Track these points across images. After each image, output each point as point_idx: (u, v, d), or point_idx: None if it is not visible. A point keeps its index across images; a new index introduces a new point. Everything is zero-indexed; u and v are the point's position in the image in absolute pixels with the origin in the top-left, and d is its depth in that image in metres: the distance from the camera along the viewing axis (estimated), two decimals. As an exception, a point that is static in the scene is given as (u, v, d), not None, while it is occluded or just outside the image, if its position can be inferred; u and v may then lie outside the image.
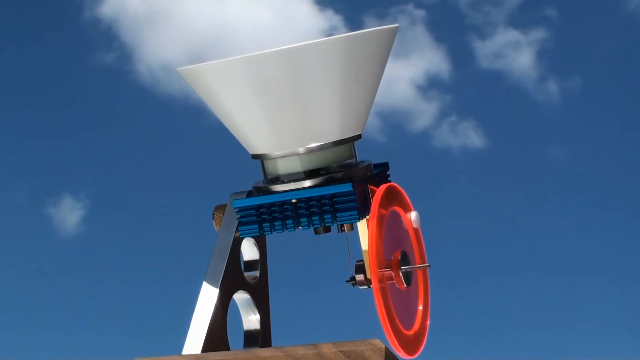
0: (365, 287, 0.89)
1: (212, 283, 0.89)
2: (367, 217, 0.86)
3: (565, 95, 3.23)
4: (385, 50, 0.86)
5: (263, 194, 0.87)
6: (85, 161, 3.26)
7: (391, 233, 0.88)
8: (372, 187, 0.88)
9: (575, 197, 3.10)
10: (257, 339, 0.96)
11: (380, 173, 0.92)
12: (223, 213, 0.93)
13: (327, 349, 0.77)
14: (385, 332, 0.84)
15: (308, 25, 3.35)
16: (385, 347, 0.76)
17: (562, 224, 3.05)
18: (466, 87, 3.35)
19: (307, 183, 0.86)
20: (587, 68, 3.28)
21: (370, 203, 0.87)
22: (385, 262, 0.86)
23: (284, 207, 0.86)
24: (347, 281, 0.90)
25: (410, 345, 0.88)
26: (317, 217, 0.85)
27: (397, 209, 0.91)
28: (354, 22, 3.37)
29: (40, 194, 3.21)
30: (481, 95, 3.33)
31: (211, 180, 3.11)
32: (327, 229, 0.89)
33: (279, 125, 0.84)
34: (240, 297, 0.95)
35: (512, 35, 3.30)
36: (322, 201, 0.85)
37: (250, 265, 0.98)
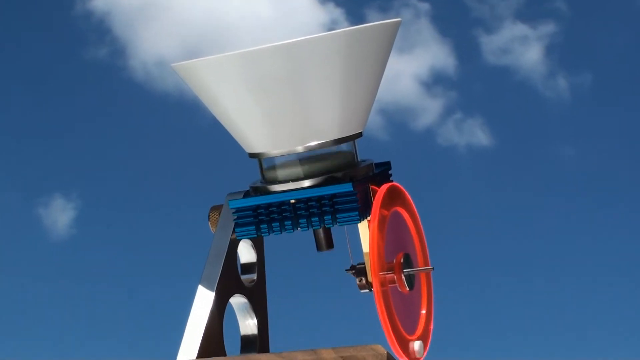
0: (367, 290, 0.90)
1: (208, 286, 0.90)
2: (369, 218, 0.87)
3: (574, 92, 3.24)
4: (387, 45, 0.87)
5: (260, 194, 0.88)
6: (76, 160, 3.27)
7: (393, 235, 0.88)
8: (373, 187, 0.89)
9: (585, 197, 3.10)
10: (255, 344, 0.96)
11: (381, 172, 0.92)
12: (219, 214, 0.94)
13: (327, 354, 0.77)
14: (387, 337, 0.84)
15: (308, 19, 3.36)
16: (387, 353, 0.77)
17: (571, 225, 3.05)
18: (472, 83, 3.35)
19: (307, 183, 0.87)
20: (597, 63, 3.28)
21: (372, 203, 0.87)
22: (387, 265, 0.86)
23: (282, 207, 0.87)
24: (347, 270, 0.90)
25: (412, 350, 0.88)
26: (317, 218, 0.86)
27: (400, 209, 0.92)
28: (355, 16, 3.37)
29: (29, 194, 3.21)
30: (488, 91, 3.33)
31: (207, 180, 3.11)
32: (330, 245, 0.90)
33: (277, 123, 0.85)
34: (237, 301, 0.95)
35: (520, 29, 3.31)
36: (322, 202, 0.85)
37: (248, 267, 0.98)
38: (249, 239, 0.97)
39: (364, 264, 0.90)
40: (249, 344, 0.96)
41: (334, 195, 0.85)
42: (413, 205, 0.94)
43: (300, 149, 0.86)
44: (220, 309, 0.90)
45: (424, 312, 0.93)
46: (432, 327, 0.94)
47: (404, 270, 0.87)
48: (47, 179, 3.26)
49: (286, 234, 0.88)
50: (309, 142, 0.86)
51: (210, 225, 0.94)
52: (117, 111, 3.35)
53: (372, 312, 0.84)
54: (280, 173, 0.88)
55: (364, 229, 0.90)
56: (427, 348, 0.92)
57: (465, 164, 3.25)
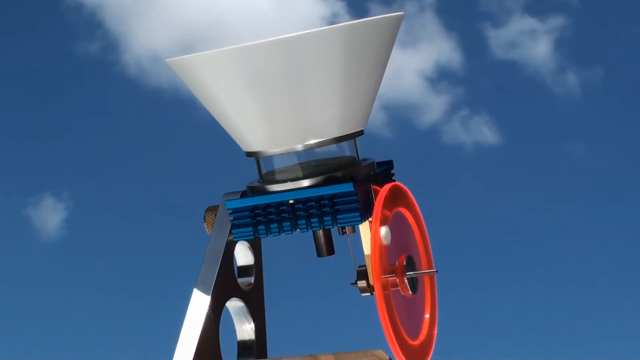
0: (368, 294, 0.90)
1: (204, 290, 0.90)
2: (370, 219, 0.87)
3: (585, 87, 3.24)
4: (389, 40, 0.87)
5: (258, 194, 0.88)
6: (67, 158, 3.27)
7: (396, 236, 0.89)
8: (375, 186, 0.89)
9: (596, 196, 3.11)
10: (252, 349, 0.96)
11: (383, 172, 0.92)
12: (215, 215, 0.94)
13: (327, 360, 0.77)
14: (389, 343, 0.84)
15: (308, 12, 3.36)
16: (389, 359, 0.77)
17: (581, 224, 3.06)
18: (479, 78, 3.36)
19: (306, 183, 0.87)
20: (608, 58, 3.28)
21: (373, 204, 0.87)
22: (389, 268, 0.87)
23: (281, 208, 0.87)
24: (352, 283, 0.91)
25: (415, 356, 0.88)
26: (317, 219, 0.86)
27: (402, 210, 0.92)
28: (357, 9, 3.38)
29: (18, 194, 3.22)
30: (495, 87, 3.34)
31: (203, 180, 3.12)
32: (331, 251, 0.90)
33: (275, 121, 0.85)
34: (234, 305, 0.96)
35: (529, 22, 3.31)
36: (322, 202, 0.86)
37: (245, 270, 0.99)
38: (246, 240, 0.97)
39: (365, 266, 0.90)
40: (246, 349, 0.97)
41: (334, 196, 0.85)
42: (416, 205, 0.95)
43: (299, 147, 0.86)
44: (216, 313, 0.90)
45: (427, 316, 0.94)
46: (435, 332, 0.94)
47: (407, 273, 0.88)
48: (36, 178, 3.27)
49: (285, 236, 0.88)
50: (308, 141, 0.86)
51: (206, 226, 0.95)
52: (110, 108, 3.35)
53: (374, 317, 0.84)
54: (279, 172, 0.89)
55: (365, 230, 0.90)
56: (431, 354, 0.92)
57: (472, 163, 3.26)
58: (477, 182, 3.24)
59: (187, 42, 3.30)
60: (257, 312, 0.97)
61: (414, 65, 3.28)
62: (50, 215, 3.15)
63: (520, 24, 3.31)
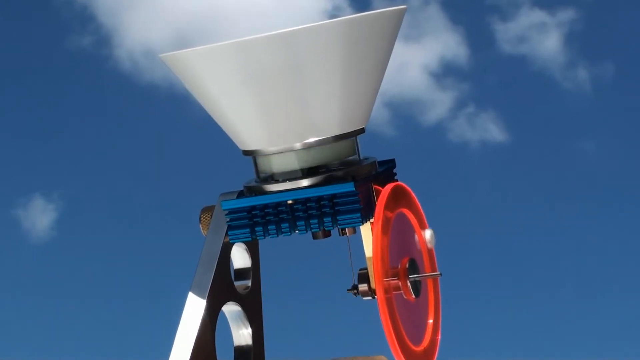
0: (370, 298, 0.90)
1: (199, 294, 0.90)
2: (371, 220, 0.87)
3: (596, 83, 3.24)
4: (391, 34, 0.87)
5: (255, 195, 0.88)
6: (57, 157, 3.28)
7: (398, 238, 0.89)
8: (376, 186, 0.89)
9: (608, 196, 3.11)
10: (249, 355, 0.97)
11: (385, 171, 0.93)
12: (211, 216, 0.94)
13: (327, 366, 0.78)
14: (392, 348, 0.85)
15: (309, 5, 3.36)
16: (391, 365, 0.77)
17: (592, 223, 3.06)
18: (486, 74, 3.36)
19: (305, 182, 0.87)
20: (620, 52, 3.28)
21: (375, 204, 0.87)
22: (391, 271, 0.87)
23: (279, 209, 0.87)
24: (348, 290, 0.91)
25: (419, 362, 0.89)
26: (316, 220, 0.86)
27: (405, 211, 0.92)
28: (359, 2, 3.38)
29: (7, 194, 3.22)
30: (502, 83, 3.34)
31: (198, 179, 3.12)
32: (327, 234, 0.90)
33: (273, 118, 0.85)
34: (230, 309, 0.96)
35: (538, 16, 3.31)
36: (322, 202, 0.86)
37: (241, 273, 0.99)
38: (243, 242, 0.97)
39: (366, 269, 0.90)
40: (242, 355, 0.97)
41: (334, 196, 0.86)
42: (419, 206, 0.95)
43: (297, 145, 0.86)
44: (212, 317, 0.90)
45: (431, 321, 0.94)
46: (439, 337, 0.95)
47: (410, 277, 0.88)
48: (25, 177, 3.27)
49: (283, 237, 0.88)
50: (308, 139, 0.86)
51: (201, 227, 0.95)
52: (102, 104, 3.35)
53: (376, 321, 0.84)
54: (277, 172, 0.89)
55: (366, 232, 0.90)
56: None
57: (478, 162, 3.26)
58: (484, 181, 3.24)
59: (182, 36, 3.31)
60: (254, 317, 0.98)
61: (418, 60, 3.28)
62: (39, 216, 3.16)
63: (529, 17, 3.31)
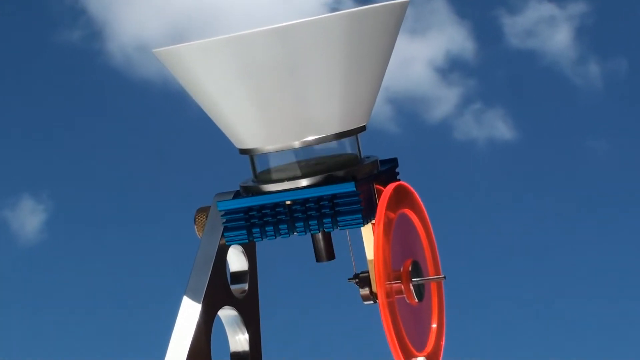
0: (371, 302, 0.91)
1: (194, 298, 0.91)
2: (373, 221, 0.88)
3: (608, 79, 3.24)
4: (393, 28, 0.88)
5: (252, 195, 0.89)
6: (47, 156, 3.28)
7: (400, 240, 0.89)
8: (378, 186, 0.90)
9: (619, 196, 3.11)
10: (246, 362, 0.97)
11: (388, 170, 0.93)
12: (206, 217, 0.95)
13: (326, 373, 0.78)
14: (394, 354, 0.85)
15: (308, -2, 3.36)
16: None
17: (604, 225, 3.06)
18: (493, 69, 3.36)
19: (304, 182, 0.87)
20: (633, 47, 3.29)
21: (377, 205, 0.88)
22: (393, 274, 0.87)
23: (277, 209, 0.87)
24: (349, 279, 0.91)
25: (422, 369, 0.89)
26: (315, 222, 0.86)
27: (408, 212, 0.93)
28: (361, -6, 3.38)
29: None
30: (510, 79, 3.34)
31: (193, 179, 3.12)
32: (331, 256, 0.91)
33: (271, 116, 0.86)
34: (226, 314, 0.96)
35: (547, 9, 3.31)
36: (321, 203, 0.86)
37: (238, 277, 0.99)
38: (240, 244, 0.98)
39: (367, 272, 0.91)
40: (239, 361, 0.97)
41: (334, 196, 0.86)
42: (423, 207, 0.95)
43: (296, 144, 0.87)
44: (207, 322, 0.91)
45: (434, 326, 0.94)
46: (443, 343, 0.95)
47: (413, 280, 0.88)
48: (14, 177, 3.27)
49: (281, 239, 0.88)
50: (307, 137, 0.87)
51: (196, 229, 0.95)
52: (93, 101, 3.36)
53: (377, 326, 0.85)
54: (275, 171, 0.89)
55: (367, 233, 0.91)
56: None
57: (485, 161, 3.26)
58: (491, 181, 3.24)
59: (177, 30, 3.31)
60: (251, 322, 0.98)
61: (423, 55, 3.28)
62: (28, 218, 3.16)
63: (538, 10, 3.31)
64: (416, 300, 0.89)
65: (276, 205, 0.87)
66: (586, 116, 3.26)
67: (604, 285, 2.95)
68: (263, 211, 0.88)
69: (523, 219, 3.13)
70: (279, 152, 0.88)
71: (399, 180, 0.94)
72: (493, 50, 3.34)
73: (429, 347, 0.92)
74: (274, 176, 0.89)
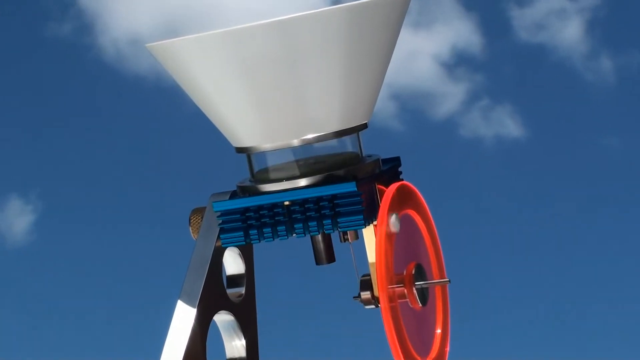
0: (373, 306, 0.91)
1: (189, 302, 0.91)
2: (375, 222, 0.88)
3: (621, 74, 3.25)
4: (396, 21, 0.88)
5: (249, 195, 0.89)
6: (35, 154, 3.28)
7: (403, 242, 0.89)
8: (380, 186, 0.90)
9: (634, 195, 3.11)
10: (243, 368, 0.97)
11: (390, 170, 0.93)
12: (202, 218, 0.95)
13: (326, 380, 0.78)
14: (396, 361, 0.85)
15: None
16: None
17: (616, 225, 3.06)
18: (501, 64, 3.36)
19: (303, 182, 0.88)
20: (647, 41, 3.29)
21: (378, 206, 0.88)
22: (396, 277, 0.87)
23: (275, 210, 0.88)
24: (355, 297, 0.92)
25: (426, 376, 0.90)
26: (315, 223, 0.87)
27: (411, 212, 0.93)
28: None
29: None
30: (519, 74, 3.34)
31: (188, 179, 3.13)
32: (331, 259, 0.91)
33: (269, 113, 0.86)
34: (222, 319, 0.97)
35: (557, 1, 3.32)
36: (321, 203, 0.86)
37: (234, 280, 0.99)
38: (237, 246, 0.98)
39: (369, 275, 0.91)
40: (236, 368, 0.98)
41: (334, 196, 0.86)
42: (427, 207, 0.96)
43: (295, 142, 0.87)
44: (203, 327, 0.91)
45: (438, 331, 0.95)
46: (448, 349, 0.95)
47: (416, 283, 0.88)
48: (0, 177, 3.27)
49: (279, 241, 0.89)
50: (306, 135, 0.87)
51: (191, 231, 0.95)
52: (83, 97, 3.36)
53: (379, 331, 0.85)
54: (273, 170, 0.89)
55: (369, 235, 0.91)
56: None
57: (492, 159, 3.26)
58: (498, 180, 3.24)
59: (172, 24, 3.31)
60: (248, 327, 0.98)
61: (428, 49, 3.29)
62: (16, 219, 3.16)
63: (548, 2, 3.31)
64: (420, 304, 0.89)
65: (274, 205, 0.87)
66: (598, 113, 3.27)
67: (616, 283, 2.95)
68: (260, 212, 0.88)
69: (533, 221, 3.13)
70: (277, 151, 0.88)
71: (402, 179, 0.95)
72: (501, 44, 3.35)
73: (433, 353, 0.93)
74: (272, 175, 0.89)
